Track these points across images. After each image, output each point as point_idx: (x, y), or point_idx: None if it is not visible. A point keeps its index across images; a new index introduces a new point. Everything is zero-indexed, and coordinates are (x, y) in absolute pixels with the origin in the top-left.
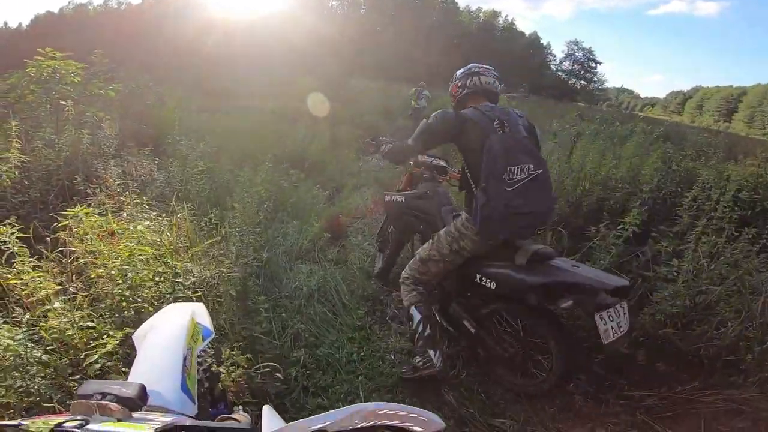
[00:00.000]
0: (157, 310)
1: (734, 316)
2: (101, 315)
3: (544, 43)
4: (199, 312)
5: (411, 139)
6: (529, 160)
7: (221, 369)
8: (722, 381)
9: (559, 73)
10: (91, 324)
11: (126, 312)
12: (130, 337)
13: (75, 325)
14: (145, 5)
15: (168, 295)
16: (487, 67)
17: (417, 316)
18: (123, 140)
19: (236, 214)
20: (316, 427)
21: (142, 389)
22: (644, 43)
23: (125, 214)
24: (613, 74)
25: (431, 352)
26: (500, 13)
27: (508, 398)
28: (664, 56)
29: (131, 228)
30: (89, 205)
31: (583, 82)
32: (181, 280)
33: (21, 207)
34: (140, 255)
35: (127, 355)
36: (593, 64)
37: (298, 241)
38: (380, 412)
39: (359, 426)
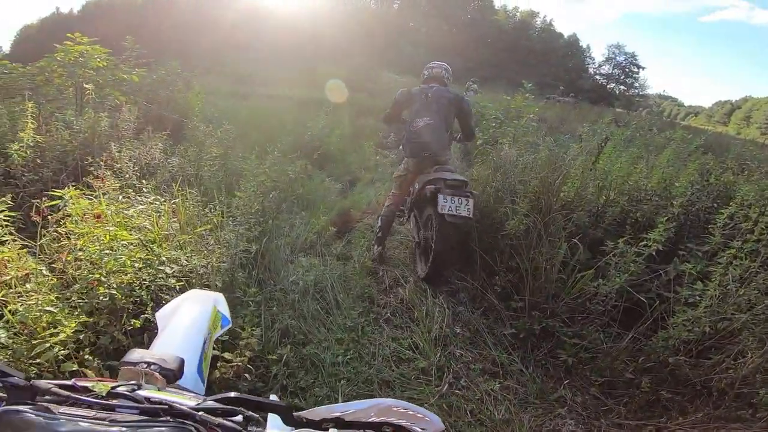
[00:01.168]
0: (130, 297)
1: (757, 345)
2: (69, 299)
3: (584, 46)
4: (220, 301)
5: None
6: (427, 115)
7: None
8: (729, 414)
9: (597, 77)
10: (49, 309)
11: (101, 298)
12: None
13: (34, 309)
14: None
15: (148, 283)
16: (440, 63)
17: (378, 223)
18: (144, 124)
19: (240, 202)
20: (335, 415)
21: (182, 364)
22: (693, 50)
23: (120, 198)
24: (655, 80)
25: (376, 247)
26: (538, 13)
27: None
28: (713, 64)
29: (122, 212)
30: (89, 187)
31: (622, 87)
32: (163, 268)
33: (32, 185)
34: (123, 240)
35: (92, 342)
36: (635, 69)
37: (304, 233)
38: (394, 409)
39: (371, 419)
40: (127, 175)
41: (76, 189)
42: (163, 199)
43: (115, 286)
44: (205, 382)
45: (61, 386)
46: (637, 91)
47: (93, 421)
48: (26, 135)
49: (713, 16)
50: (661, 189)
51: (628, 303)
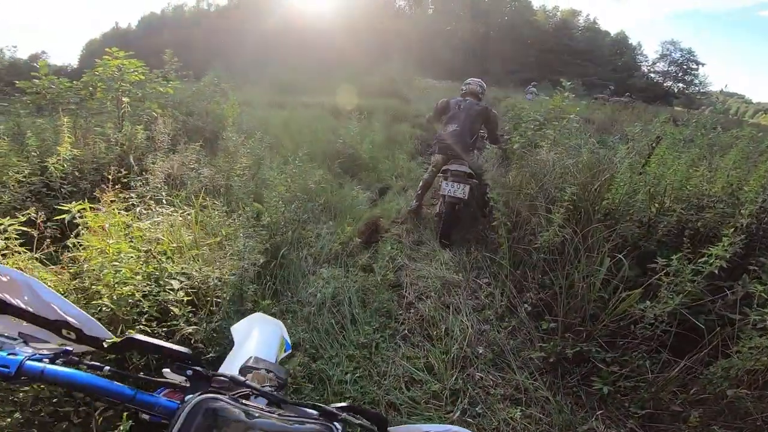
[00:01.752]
0: (135, 308)
1: None
2: None
3: (633, 43)
4: (283, 327)
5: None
6: (456, 123)
7: None
8: None
9: (652, 75)
10: None
11: (102, 309)
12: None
13: None
14: (231, 6)
15: (153, 295)
16: (476, 80)
17: (419, 184)
18: (180, 136)
19: (265, 214)
20: None
21: (287, 377)
22: (753, 47)
23: (139, 209)
24: (716, 78)
25: (414, 202)
26: (580, 12)
27: None
28: None
29: (133, 224)
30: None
31: (681, 85)
32: (170, 281)
33: (71, 196)
34: (129, 253)
35: None
36: (694, 66)
37: (329, 244)
38: None
39: None
40: (157, 186)
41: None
42: (182, 211)
43: (114, 297)
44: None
45: (232, 380)
46: (697, 88)
47: (265, 413)
48: (63, 149)
49: None
50: (727, 195)
51: (683, 327)
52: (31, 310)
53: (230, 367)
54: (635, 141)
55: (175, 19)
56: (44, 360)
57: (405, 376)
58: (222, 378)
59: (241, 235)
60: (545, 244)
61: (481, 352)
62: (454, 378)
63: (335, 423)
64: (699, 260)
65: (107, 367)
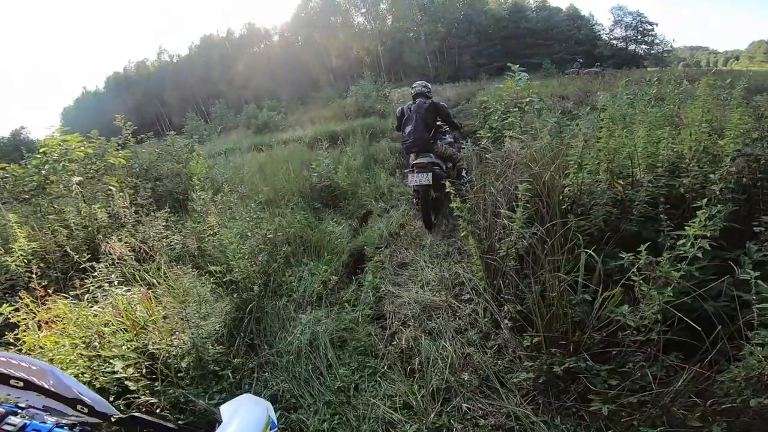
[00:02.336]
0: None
1: None
2: None
3: (586, 15)
4: (270, 407)
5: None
6: (412, 124)
7: None
8: None
9: (614, 42)
10: None
11: None
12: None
13: None
14: (192, 55)
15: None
16: (421, 81)
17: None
18: (150, 204)
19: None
20: None
21: None
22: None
23: (90, 295)
24: (680, 35)
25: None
26: None
27: None
28: (735, 8)
29: (79, 312)
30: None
31: (644, 46)
32: (114, 361)
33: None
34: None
35: None
36: (649, 26)
37: (311, 285)
38: None
39: None
40: (122, 264)
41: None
42: (144, 286)
43: None
44: None
45: None
46: (661, 47)
47: None
48: (17, 245)
49: None
50: (700, 153)
51: (690, 318)
52: (54, 390)
53: None
54: (600, 111)
55: (140, 75)
56: (66, 428)
57: (385, 418)
58: None
59: (193, 299)
60: (510, 251)
61: (466, 378)
62: (434, 414)
63: None
64: (678, 244)
65: None
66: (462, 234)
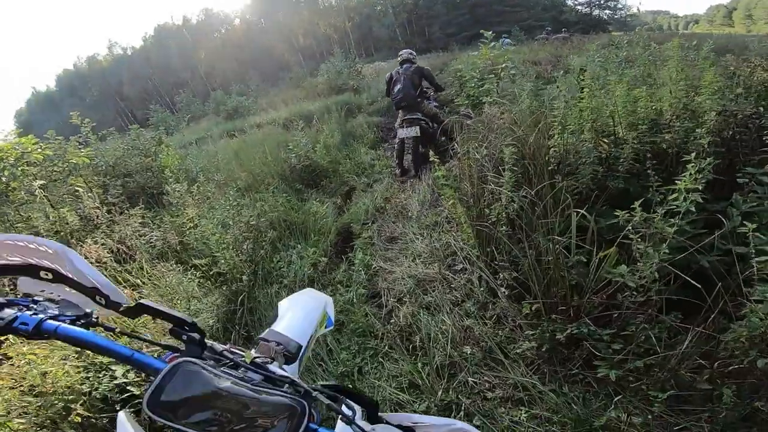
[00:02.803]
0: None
1: None
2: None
3: None
4: (329, 303)
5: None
6: (401, 83)
7: None
8: None
9: (579, 7)
10: None
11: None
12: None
13: None
14: (147, 45)
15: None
16: (406, 49)
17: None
18: (116, 203)
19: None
20: (409, 424)
21: (299, 350)
22: None
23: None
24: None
25: (396, 170)
26: None
27: None
28: None
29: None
30: None
31: (608, 11)
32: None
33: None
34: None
35: None
36: None
37: (301, 269)
38: None
39: None
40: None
41: None
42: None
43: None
44: (301, 369)
45: (222, 349)
46: (624, 11)
47: (238, 380)
48: None
49: None
50: (679, 109)
51: (688, 274)
52: (73, 277)
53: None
54: (579, 73)
55: (92, 70)
56: (64, 321)
57: (392, 399)
58: (212, 346)
59: (181, 297)
60: (501, 216)
61: (468, 352)
62: (441, 390)
63: (308, 401)
64: (670, 198)
65: (118, 329)
66: (449, 203)
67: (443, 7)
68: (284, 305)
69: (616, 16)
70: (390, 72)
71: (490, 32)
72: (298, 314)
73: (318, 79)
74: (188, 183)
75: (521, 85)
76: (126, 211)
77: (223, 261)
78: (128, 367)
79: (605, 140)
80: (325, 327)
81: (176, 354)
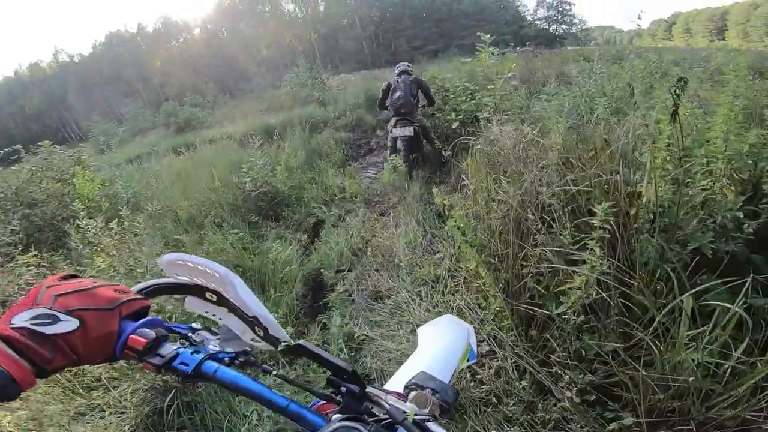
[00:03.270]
0: None
1: None
2: None
3: None
4: (472, 333)
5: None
6: (400, 90)
7: None
8: None
9: (538, 23)
10: None
11: None
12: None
13: None
14: (97, 53)
15: None
16: (404, 62)
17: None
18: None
19: None
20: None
21: (457, 398)
22: None
23: None
24: (593, 14)
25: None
26: None
27: None
28: None
29: None
30: None
31: (564, 26)
32: None
33: None
34: None
35: None
36: (567, 7)
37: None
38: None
39: None
40: None
41: None
42: None
43: None
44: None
45: (383, 399)
46: (579, 26)
47: None
48: None
49: None
50: None
51: None
52: (236, 304)
53: (403, 376)
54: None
55: (35, 78)
56: (223, 359)
57: None
58: (375, 396)
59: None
60: (576, 304)
61: None
62: None
63: None
64: None
65: (275, 372)
66: (471, 264)
67: (410, 21)
68: (426, 333)
69: (571, 31)
70: (388, 81)
71: (488, 35)
72: (443, 348)
73: (281, 90)
74: (107, 216)
75: (525, 99)
76: (16, 258)
77: None
78: None
79: (732, 188)
80: (468, 360)
81: (324, 402)
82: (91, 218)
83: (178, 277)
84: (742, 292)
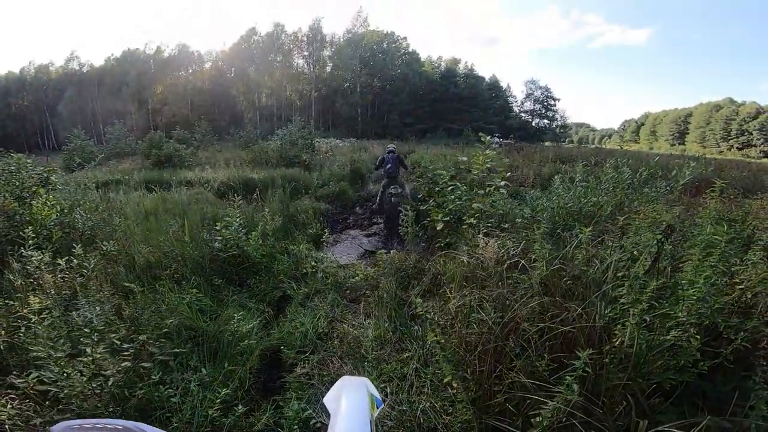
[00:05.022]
0: None
1: None
2: None
3: (504, 86)
4: (369, 384)
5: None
6: (389, 164)
7: None
8: None
9: (522, 115)
10: None
11: None
12: None
13: None
14: (107, 67)
15: None
16: (392, 144)
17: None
18: None
19: None
20: None
21: None
22: (592, 76)
23: None
24: (571, 110)
25: (375, 206)
26: (460, 60)
27: None
28: (610, 86)
29: None
30: None
31: (546, 121)
32: None
33: None
34: None
35: None
36: (552, 102)
37: (203, 408)
38: None
39: None
40: None
41: None
42: None
43: None
44: None
45: None
46: (559, 122)
47: None
48: None
49: (596, 42)
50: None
51: None
52: None
53: None
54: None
55: (37, 79)
56: None
57: None
58: None
59: None
60: (546, 429)
61: None
62: None
63: None
64: None
65: None
66: (446, 379)
67: (407, 97)
68: (331, 399)
69: (552, 126)
70: (382, 155)
71: (489, 138)
72: (352, 406)
73: (270, 144)
74: (57, 248)
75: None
76: None
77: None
78: None
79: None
80: (377, 407)
81: None
82: (38, 248)
83: None
84: None
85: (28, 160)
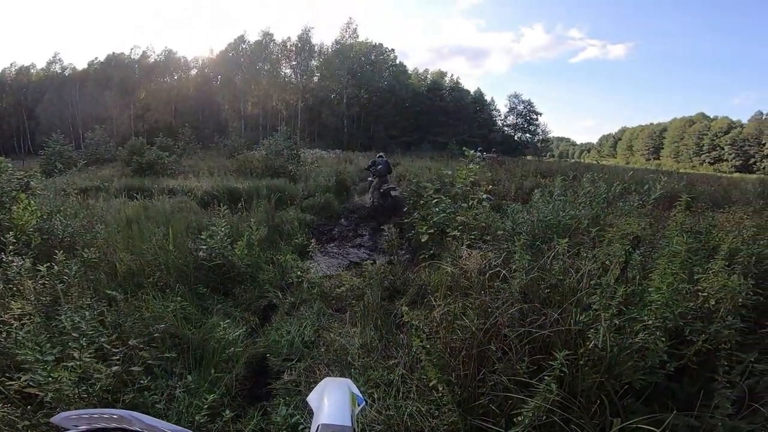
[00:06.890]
0: None
1: None
2: None
3: (488, 99)
4: (351, 383)
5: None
6: (381, 165)
7: None
8: None
9: (506, 129)
10: None
11: None
12: None
13: None
14: (90, 71)
15: None
16: (381, 153)
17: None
18: None
19: None
20: None
21: None
22: (573, 90)
23: None
24: (552, 124)
25: (374, 201)
26: (446, 73)
27: None
28: (590, 101)
29: None
30: None
31: (528, 135)
32: None
33: None
34: None
35: None
36: (534, 116)
37: (188, 413)
38: None
39: None
40: None
41: None
42: None
43: None
44: None
45: None
46: (540, 136)
47: None
48: None
49: (578, 57)
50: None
51: None
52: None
53: None
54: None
55: (17, 81)
56: None
57: None
58: None
59: None
60: (527, 428)
61: None
62: None
63: None
64: None
65: None
66: (432, 382)
67: (393, 109)
68: (313, 398)
69: (534, 140)
70: (374, 159)
71: (473, 151)
72: (333, 400)
73: (255, 154)
74: (36, 254)
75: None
76: None
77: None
78: None
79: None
80: (358, 405)
81: None
82: (18, 254)
83: (79, 427)
84: None
85: (9, 164)
